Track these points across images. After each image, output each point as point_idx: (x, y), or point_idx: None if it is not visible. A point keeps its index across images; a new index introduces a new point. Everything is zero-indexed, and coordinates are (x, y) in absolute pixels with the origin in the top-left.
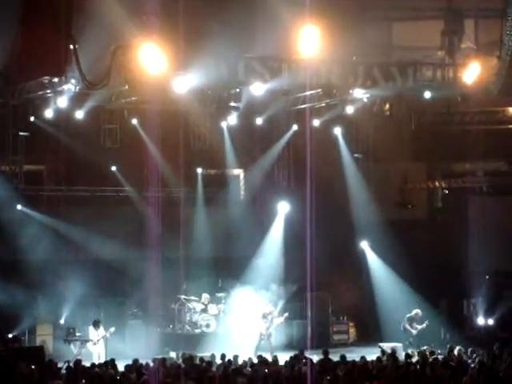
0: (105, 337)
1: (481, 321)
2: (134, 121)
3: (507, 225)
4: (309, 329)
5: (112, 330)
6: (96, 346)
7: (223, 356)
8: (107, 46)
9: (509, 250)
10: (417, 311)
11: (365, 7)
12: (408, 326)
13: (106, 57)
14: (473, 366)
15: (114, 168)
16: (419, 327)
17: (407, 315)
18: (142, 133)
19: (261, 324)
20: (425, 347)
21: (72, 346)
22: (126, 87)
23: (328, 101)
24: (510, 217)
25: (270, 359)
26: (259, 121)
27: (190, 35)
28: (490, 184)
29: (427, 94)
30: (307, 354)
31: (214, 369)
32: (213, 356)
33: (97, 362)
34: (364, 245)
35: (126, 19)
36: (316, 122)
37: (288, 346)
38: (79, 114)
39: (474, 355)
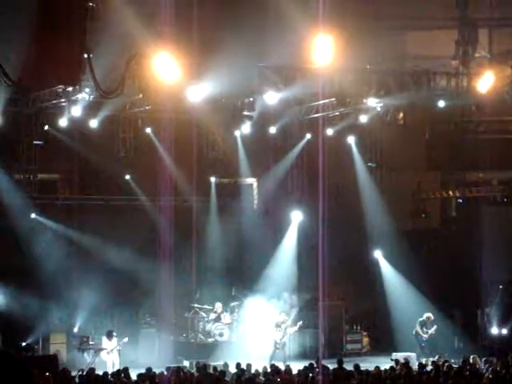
0: (118, 346)
1: (495, 330)
2: (148, 129)
3: None
4: (321, 338)
5: (125, 339)
6: (110, 356)
7: (238, 365)
8: (121, 55)
9: None
10: (428, 315)
11: (379, 16)
12: (419, 330)
13: (120, 66)
14: (487, 375)
15: (128, 177)
16: (430, 331)
17: (419, 319)
18: (155, 141)
19: (275, 333)
20: (436, 357)
21: (86, 354)
22: (140, 96)
23: (342, 110)
24: None
25: (283, 368)
26: (273, 130)
27: (204, 44)
28: (504, 193)
29: (441, 103)
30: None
31: (227, 378)
32: (226, 365)
33: (110, 371)
34: (377, 254)
35: (140, 28)
36: (329, 131)
37: (301, 356)
38: (93, 123)
39: (488, 365)
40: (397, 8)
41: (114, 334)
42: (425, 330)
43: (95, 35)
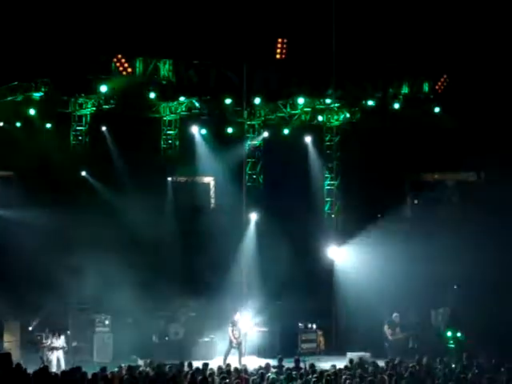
0: (67, 345)
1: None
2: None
3: None
4: (275, 338)
5: (74, 343)
6: (55, 354)
7: (190, 364)
8: None
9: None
10: (396, 314)
11: None
12: (386, 330)
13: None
14: (441, 374)
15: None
16: (398, 334)
17: (387, 320)
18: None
19: (230, 332)
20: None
21: (40, 353)
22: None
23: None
24: None
25: (239, 367)
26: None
27: None
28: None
29: None
30: (275, 363)
31: (182, 377)
32: (181, 364)
33: (54, 369)
34: (331, 254)
35: None
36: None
37: (257, 355)
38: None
39: (442, 365)
40: None
41: (62, 332)
42: (392, 330)
43: None
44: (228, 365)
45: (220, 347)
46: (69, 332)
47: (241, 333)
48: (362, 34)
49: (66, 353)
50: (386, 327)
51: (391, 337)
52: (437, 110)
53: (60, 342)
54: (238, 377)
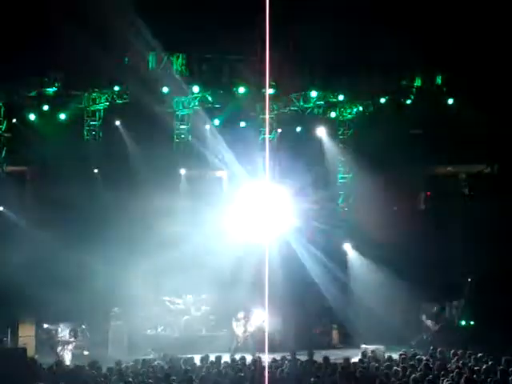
0: (82, 339)
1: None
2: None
3: None
4: (290, 331)
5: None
6: (70, 348)
7: (206, 357)
8: None
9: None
10: (435, 305)
11: None
12: (426, 321)
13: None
14: (454, 367)
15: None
16: (435, 325)
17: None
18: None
19: (236, 327)
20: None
21: (54, 348)
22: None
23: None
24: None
25: (252, 361)
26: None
27: None
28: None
29: None
30: (289, 356)
31: (196, 370)
32: (194, 358)
33: (68, 364)
34: (347, 246)
35: None
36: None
37: (271, 349)
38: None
39: (456, 357)
40: None
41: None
42: (431, 321)
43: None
44: (242, 357)
45: (230, 342)
46: (84, 326)
47: (247, 329)
48: (375, 27)
49: (80, 347)
50: (424, 317)
51: (434, 327)
52: (450, 101)
53: (74, 336)
54: (252, 370)
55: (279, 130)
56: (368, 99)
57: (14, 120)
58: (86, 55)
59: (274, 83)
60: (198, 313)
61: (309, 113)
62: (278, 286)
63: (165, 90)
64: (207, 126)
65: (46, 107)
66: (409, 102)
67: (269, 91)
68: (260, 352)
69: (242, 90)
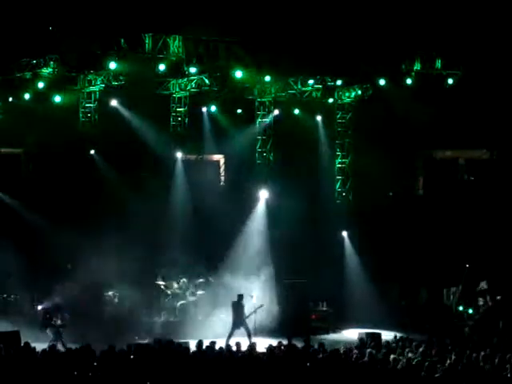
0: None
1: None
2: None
3: None
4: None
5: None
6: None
7: (200, 342)
8: None
9: None
10: (483, 283)
11: None
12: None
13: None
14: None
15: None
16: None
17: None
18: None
19: (231, 311)
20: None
21: (48, 331)
22: None
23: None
24: None
25: (248, 345)
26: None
27: None
28: None
29: None
30: (284, 341)
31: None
32: (189, 343)
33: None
34: (343, 234)
35: None
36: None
37: (267, 333)
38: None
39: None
40: None
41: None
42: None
43: None
44: (237, 343)
45: (227, 326)
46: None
47: (244, 313)
48: (374, 11)
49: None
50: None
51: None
52: (450, 82)
53: (68, 320)
54: (247, 355)
55: (276, 112)
56: (367, 82)
57: (11, 99)
58: (80, 36)
59: (271, 67)
60: (194, 297)
61: (306, 96)
62: (275, 270)
63: (161, 68)
64: (204, 109)
65: (41, 85)
66: (409, 82)
67: (266, 75)
68: (256, 337)
69: (239, 74)
